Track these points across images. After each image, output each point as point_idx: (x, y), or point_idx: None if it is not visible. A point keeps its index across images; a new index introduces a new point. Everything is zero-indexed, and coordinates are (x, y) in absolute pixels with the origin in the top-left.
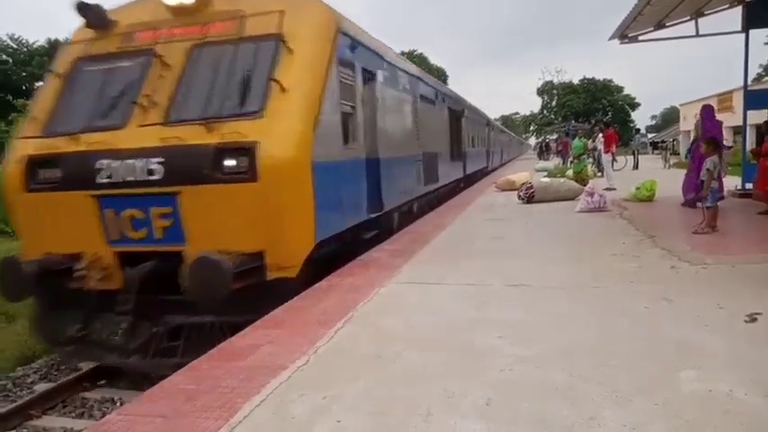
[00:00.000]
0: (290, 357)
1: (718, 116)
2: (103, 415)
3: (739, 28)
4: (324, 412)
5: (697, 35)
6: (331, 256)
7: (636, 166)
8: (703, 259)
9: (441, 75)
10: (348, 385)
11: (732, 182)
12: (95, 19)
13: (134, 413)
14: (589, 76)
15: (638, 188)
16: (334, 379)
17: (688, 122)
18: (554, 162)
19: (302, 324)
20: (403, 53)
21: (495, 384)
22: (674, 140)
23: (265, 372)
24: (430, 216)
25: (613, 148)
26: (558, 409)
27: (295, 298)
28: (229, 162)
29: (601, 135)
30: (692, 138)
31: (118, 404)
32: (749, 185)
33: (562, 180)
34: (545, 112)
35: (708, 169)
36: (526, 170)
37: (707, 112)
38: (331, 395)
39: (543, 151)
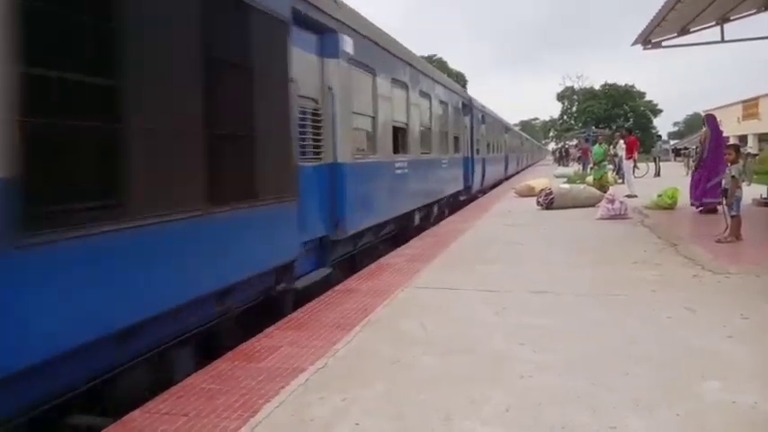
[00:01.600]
0: (309, 359)
1: (744, 123)
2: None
3: (767, 33)
4: (342, 415)
5: (722, 41)
6: None
7: (658, 173)
8: (727, 268)
9: (460, 79)
10: (367, 388)
11: (757, 190)
12: None
13: (157, 411)
14: (611, 81)
15: (659, 195)
16: (353, 382)
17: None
18: (573, 168)
19: (321, 327)
20: (422, 57)
21: (516, 390)
22: (696, 147)
23: (285, 373)
24: (449, 221)
25: (635, 155)
26: (579, 417)
27: (314, 301)
28: None
29: (622, 141)
30: (700, 146)
31: None
32: None
33: (582, 187)
34: (565, 117)
35: (733, 176)
36: (545, 177)
37: (713, 120)
38: (350, 398)
39: (562, 157)
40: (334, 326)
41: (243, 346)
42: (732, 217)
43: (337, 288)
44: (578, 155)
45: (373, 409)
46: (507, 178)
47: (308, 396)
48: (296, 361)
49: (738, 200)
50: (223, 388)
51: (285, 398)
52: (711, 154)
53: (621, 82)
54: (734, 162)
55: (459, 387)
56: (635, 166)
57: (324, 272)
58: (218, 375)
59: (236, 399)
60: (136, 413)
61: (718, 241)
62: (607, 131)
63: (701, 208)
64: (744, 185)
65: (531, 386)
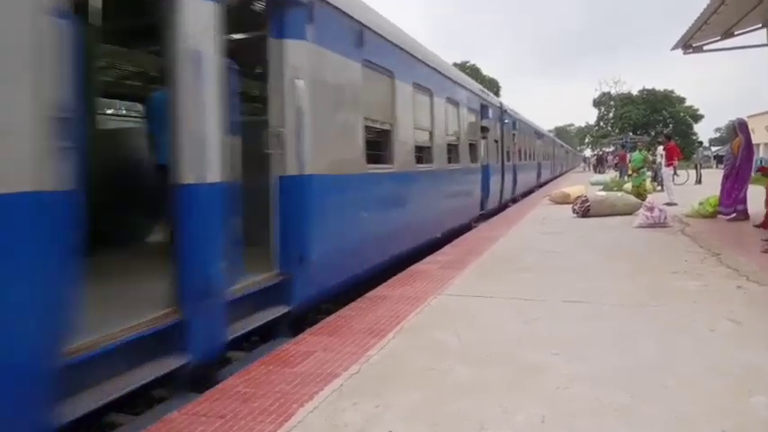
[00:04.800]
0: (343, 365)
1: None
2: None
3: None
4: (376, 421)
5: None
6: None
7: (699, 181)
8: None
9: (493, 85)
10: (400, 396)
11: None
12: None
13: (195, 413)
14: (649, 86)
15: (701, 203)
16: (386, 389)
17: (757, 135)
18: (610, 175)
19: (354, 333)
20: (455, 64)
21: (551, 401)
22: (725, 156)
23: (318, 378)
24: (482, 228)
25: (675, 162)
26: (616, 430)
27: (346, 307)
28: None
29: (661, 148)
30: (731, 154)
31: None
32: None
33: (619, 194)
34: (601, 123)
35: None
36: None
37: (746, 127)
38: (383, 404)
39: (599, 164)
40: (367, 332)
41: (277, 350)
42: None
43: (369, 295)
44: (615, 161)
45: (407, 416)
46: (552, 179)
47: (342, 402)
48: (330, 366)
49: None
50: (258, 392)
51: (319, 403)
52: (745, 164)
53: (660, 87)
54: None
55: (492, 396)
56: (675, 174)
57: None
58: (253, 379)
59: (271, 402)
60: (174, 414)
61: (765, 251)
62: (646, 138)
63: (732, 215)
64: None
65: (565, 397)
